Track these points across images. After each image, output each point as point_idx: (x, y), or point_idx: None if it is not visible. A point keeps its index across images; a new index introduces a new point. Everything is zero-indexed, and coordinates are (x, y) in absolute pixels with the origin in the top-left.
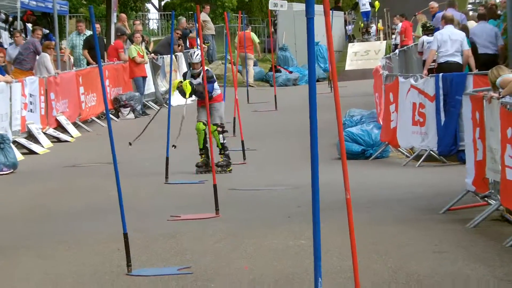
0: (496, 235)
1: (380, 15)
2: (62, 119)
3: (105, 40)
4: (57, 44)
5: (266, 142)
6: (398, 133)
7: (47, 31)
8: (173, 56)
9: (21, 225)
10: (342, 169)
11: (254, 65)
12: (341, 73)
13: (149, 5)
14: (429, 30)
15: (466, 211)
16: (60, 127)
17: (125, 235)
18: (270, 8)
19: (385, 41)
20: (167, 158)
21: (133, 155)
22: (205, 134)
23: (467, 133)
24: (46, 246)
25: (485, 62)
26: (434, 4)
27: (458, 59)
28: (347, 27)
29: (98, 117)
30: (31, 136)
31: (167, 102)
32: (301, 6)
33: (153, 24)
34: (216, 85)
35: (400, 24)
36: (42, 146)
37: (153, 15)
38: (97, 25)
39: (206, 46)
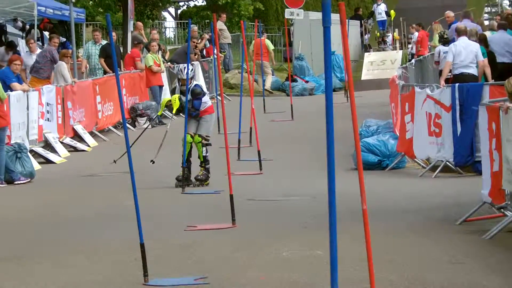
0: None
1: (396, 24)
2: (79, 128)
3: (121, 48)
4: (74, 52)
5: (282, 152)
6: (414, 144)
7: (64, 39)
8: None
9: (37, 234)
10: (358, 179)
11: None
12: (357, 83)
13: (165, 14)
14: (445, 40)
15: (482, 222)
16: (77, 136)
17: (142, 245)
18: (286, 17)
19: (401, 51)
20: (183, 168)
21: (150, 165)
22: (191, 148)
23: (483, 144)
24: (62, 255)
25: (503, 70)
26: (450, 14)
27: (473, 70)
28: (365, 36)
29: (115, 126)
30: (48, 145)
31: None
32: (317, 15)
33: (170, 33)
34: (205, 98)
35: (416, 34)
36: (59, 156)
37: (170, 23)
38: (113, 34)
39: (222, 55)
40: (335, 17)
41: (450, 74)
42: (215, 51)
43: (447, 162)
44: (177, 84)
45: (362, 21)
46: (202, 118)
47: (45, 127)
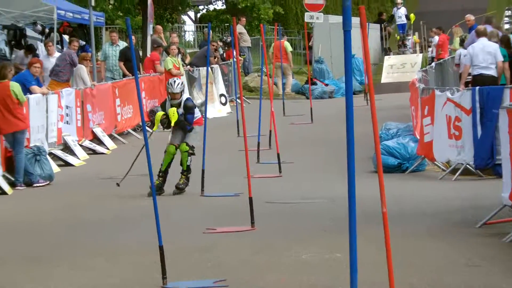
0: None
1: (416, 28)
2: (98, 131)
3: (140, 52)
4: (93, 56)
5: (302, 155)
6: (434, 147)
7: (84, 43)
8: (209, 69)
9: (56, 236)
10: (378, 182)
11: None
12: (377, 86)
13: (185, 17)
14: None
15: (502, 226)
16: (96, 139)
17: (161, 248)
18: (306, 20)
19: (421, 54)
20: (203, 171)
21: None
22: (172, 159)
23: (503, 146)
24: (80, 257)
25: None
26: (471, 17)
27: (492, 72)
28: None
29: (134, 129)
30: (67, 148)
31: (203, 114)
32: (337, 19)
33: (189, 36)
34: (196, 110)
35: (437, 38)
36: (78, 158)
37: (189, 27)
38: (133, 37)
39: (242, 59)
40: (355, 20)
41: (469, 77)
42: (235, 54)
43: (467, 165)
44: (167, 98)
45: (383, 24)
46: (192, 128)
47: (64, 130)
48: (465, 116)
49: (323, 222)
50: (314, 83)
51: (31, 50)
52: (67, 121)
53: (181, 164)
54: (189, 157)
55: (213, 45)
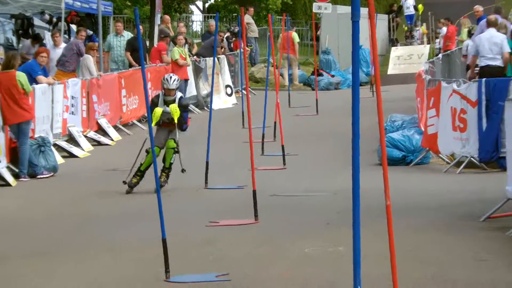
0: None
1: (424, 19)
2: (103, 122)
3: (147, 42)
4: (101, 46)
5: (306, 147)
6: (439, 139)
7: (91, 32)
8: (216, 59)
9: (60, 230)
10: (382, 175)
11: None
12: (383, 77)
13: (193, 7)
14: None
15: (507, 219)
16: (100, 130)
17: (164, 241)
18: (314, 10)
19: (428, 45)
20: (207, 163)
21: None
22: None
23: (508, 139)
24: (85, 251)
25: None
26: (479, 8)
27: (499, 62)
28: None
29: (139, 120)
30: (71, 139)
31: (208, 105)
32: (345, 9)
33: (197, 26)
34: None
35: (445, 29)
36: (83, 150)
37: (197, 17)
38: (140, 27)
39: (249, 49)
40: (363, 11)
41: (477, 69)
42: (242, 45)
43: (472, 158)
44: (161, 93)
45: (391, 15)
46: (187, 127)
47: (70, 120)
48: (470, 108)
49: (327, 216)
50: (320, 74)
51: (38, 39)
52: (73, 112)
53: (163, 161)
54: (174, 155)
55: (220, 36)
